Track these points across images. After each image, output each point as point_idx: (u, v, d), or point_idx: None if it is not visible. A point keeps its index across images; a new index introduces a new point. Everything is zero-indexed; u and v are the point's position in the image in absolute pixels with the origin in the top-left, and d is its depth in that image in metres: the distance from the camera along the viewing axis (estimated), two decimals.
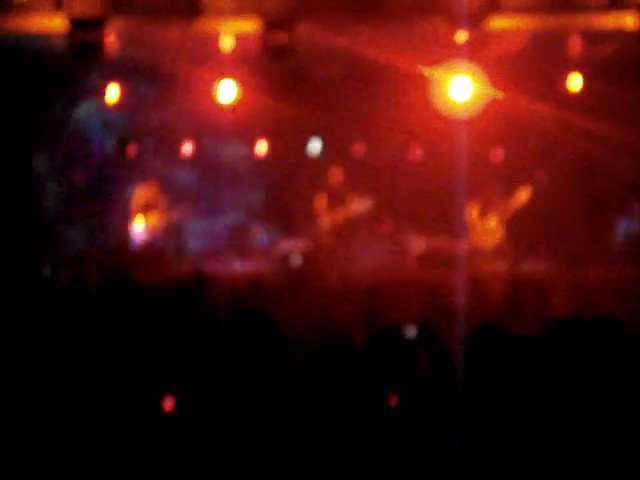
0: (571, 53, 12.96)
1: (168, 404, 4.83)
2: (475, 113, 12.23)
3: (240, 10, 11.52)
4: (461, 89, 12.37)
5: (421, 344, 5.07)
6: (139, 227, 14.40)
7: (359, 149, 15.29)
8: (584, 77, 13.66)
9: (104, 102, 14.03)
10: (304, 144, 15.38)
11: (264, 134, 15.16)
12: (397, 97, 13.59)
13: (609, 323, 4.73)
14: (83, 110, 14.72)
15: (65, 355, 5.63)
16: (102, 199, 14.94)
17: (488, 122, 13.06)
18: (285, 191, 15.36)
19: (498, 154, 15.09)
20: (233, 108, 13.12)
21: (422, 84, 12.48)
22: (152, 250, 14.22)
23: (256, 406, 4.51)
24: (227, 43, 12.11)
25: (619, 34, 11.92)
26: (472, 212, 14.15)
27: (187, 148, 15.15)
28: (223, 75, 13.04)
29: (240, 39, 12.06)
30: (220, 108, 13.17)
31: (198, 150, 15.19)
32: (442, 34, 11.70)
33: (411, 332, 5.02)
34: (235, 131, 13.15)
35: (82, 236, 14.60)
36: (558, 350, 4.59)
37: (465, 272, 11.17)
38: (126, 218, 14.43)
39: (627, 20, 11.65)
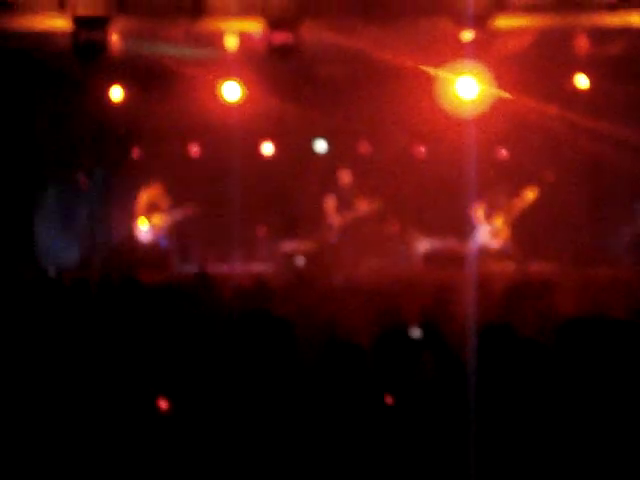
0: (578, 52, 12.91)
1: (172, 404, 4.80)
2: (481, 113, 12.18)
3: (244, 10, 11.50)
4: (467, 89, 12.33)
5: (426, 345, 5.04)
6: (143, 228, 14.38)
7: (365, 149, 15.25)
8: (591, 76, 13.62)
9: (108, 102, 14.00)
10: (309, 144, 15.35)
11: (269, 134, 15.13)
12: (403, 97, 13.55)
13: (612, 323, 4.70)
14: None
15: (69, 354, 5.61)
16: (106, 199, 14.91)
17: (494, 122, 13.01)
18: (290, 191, 15.33)
19: (504, 154, 15.06)
20: (238, 108, 13.08)
21: (428, 84, 12.45)
22: (156, 250, 14.21)
23: (262, 406, 4.48)
24: (231, 43, 12.07)
25: (626, 32, 11.87)
26: (478, 212, 14.10)
27: (192, 148, 15.13)
28: (227, 75, 13.02)
29: (245, 39, 12.03)
30: (225, 108, 13.13)
31: (203, 150, 15.17)
32: (448, 34, 11.66)
33: (416, 333, 4.98)
34: (239, 131, 13.09)
35: (87, 236, 14.56)
36: (567, 351, 4.56)
37: (472, 272, 11.11)
38: (130, 218, 14.41)
39: (634, 18, 11.59)
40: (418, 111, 13.43)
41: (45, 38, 11.95)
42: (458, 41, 11.48)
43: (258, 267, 13.83)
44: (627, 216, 14.65)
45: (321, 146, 15.28)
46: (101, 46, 11.05)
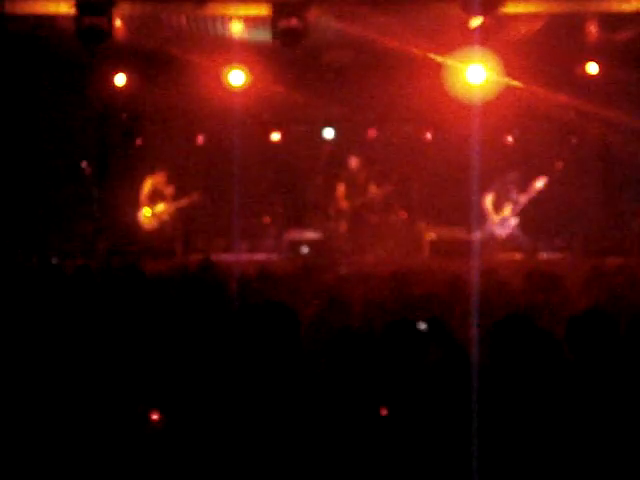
0: (587, 38, 12.78)
1: (175, 393, 4.73)
2: (490, 100, 12.06)
3: None
4: (476, 75, 12.22)
5: (432, 337, 4.97)
6: (147, 216, 14.28)
7: (372, 136, 15.13)
8: (600, 63, 13.48)
9: (111, 87, 13.89)
10: (316, 131, 15.24)
11: (275, 121, 15.02)
12: (411, 84, 13.44)
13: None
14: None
15: (70, 342, 5.56)
16: (109, 187, 14.81)
17: (503, 109, 12.90)
18: (297, 179, 15.24)
19: (513, 141, 14.93)
20: (243, 94, 12.97)
21: (436, 71, 12.34)
22: (161, 239, 14.11)
23: (267, 394, 4.41)
24: (237, 28, 11.95)
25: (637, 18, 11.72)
26: (487, 201, 13.96)
27: (197, 135, 15.02)
28: (233, 61, 12.91)
29: (250, 24, 11.91)
30: (230, 94, 13.02)
31: (208, 137, 15.05)
32: (456, 20, 11.54)
33: (422, 326, 4.92)
34: (245, 118, 12.98)
35: (90, 225, 14.46)
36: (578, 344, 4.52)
37: (480, 261, 11.02)
38: (134, 207, 14.31)
39: None
40: (426, 98, 13.32)
41: (49, 22, 11.86)
42: (467, 27, 11.31)
43: (263, 256, 13.76)
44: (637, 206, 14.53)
45: (329, 133, 15.16)
46: (105, 31, 10.91)
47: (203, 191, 14.31)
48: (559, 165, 14.81)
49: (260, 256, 13.70)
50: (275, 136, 15.13)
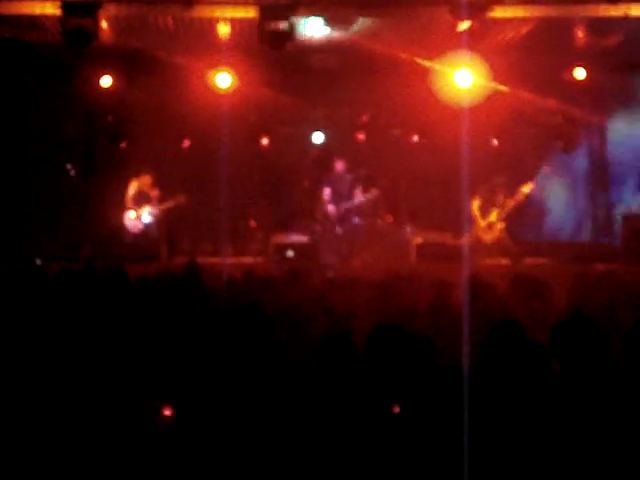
0: (575, 43, 12.78)
1: (160, 396, 4.73)
2: (477, 104, 12.06)
3: None
4: (463, 79, 12.22)
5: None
6: (132, 219, 14.21)
7: (359, 140, 15.09)
8: (588, 67, 13.50)
9: (97, 90, 13.82)
10: (303, 135, 15.21)
11: (261, 124, 14.96)
12: (398, 87, 13.43)
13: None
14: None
15: (52, 345, 5.51)
16: (94, 189, 14.74)
17: (490, 113, 12.90)
18: (283, 182, 15.20)
19: (500, 146, 14.93)
20: (229, 97, 12.92)
21: (424, 74, 12.33)
22: (146, 242, 14.04)
23: (252, 400, 4.42)
24: (223, 31, 11.90)
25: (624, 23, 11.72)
26: (474, 206, 13.95)
27: (182, 138, 14.95)
28: (219, 64, 12.86)
29: (237, 26, 11.86)
30: (216, 97, 12.97)
31: (194, 140, 14.99)
32: (445, 24, 11.53)
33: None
34: (231, 121, 12.93)
35: (75, 228, 14.38)
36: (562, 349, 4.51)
37: (467, 266, 11.00)
38: (119, 210, 14.24)
39: (633, 10, 11.44)
40: (414, 102, 13.32)
41: (34, 23, 11.79)
42: (454, 32, 11.30)
43: (250, 259, 13.72)
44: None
45: (318, 137, 15.14)
46: (90, 32, 10.83)
47: (189, 194, 14.23)
48: (546, 169, 14.83)
49: (246, 260, 13.65)
50: (262, 139, 15.08)
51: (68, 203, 14.72)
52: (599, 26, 12.09)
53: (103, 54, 12.74)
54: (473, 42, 11.22)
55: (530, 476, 4.09)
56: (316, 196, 14.40)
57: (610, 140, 14.95)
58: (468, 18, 11.04)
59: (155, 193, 14.28)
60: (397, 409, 4.35)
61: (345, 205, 14.29)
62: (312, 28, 11.94)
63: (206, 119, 13.55)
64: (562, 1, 11.49)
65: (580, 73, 13.53)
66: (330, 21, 11.81)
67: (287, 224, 14.69)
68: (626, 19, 11.38)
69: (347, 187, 14.41)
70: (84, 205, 14.69)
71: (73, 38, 10.86)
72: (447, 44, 11.62)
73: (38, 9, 11.25)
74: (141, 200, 14.26)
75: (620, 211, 14.57)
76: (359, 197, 14.38)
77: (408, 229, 14.51)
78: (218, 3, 11.37)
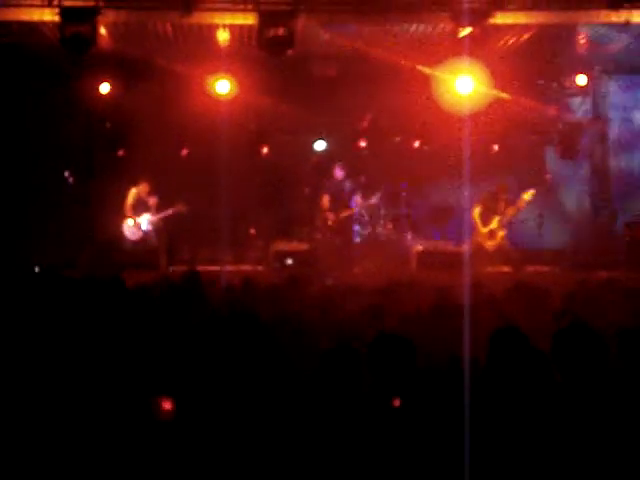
0: (576, 49, 12.78)
1: (158, 402, 4.68)
2: (478, 110, 12.03)
3: (236, 3, 11.28)
4: (464, 86, 12.20)
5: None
6: (131, 227, 14.16)
7: (359, 147, 15.06)
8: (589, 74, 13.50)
9: (95, 96, 13.78)
10: (303, 142, 15.18)
11: (261, 132, 14.92)
12: (399, 94, 13.39)
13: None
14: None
15: (50, 352, 5.47)
16: (94, 197, 14.69)
17: (491, 120, 12.88)
18: (283, 190, 15.16)
19: (501, 152, 14.89)
20: (229, 104, 12.89)
21: (425, 81, 12.31)
22: (144, 250, 13.99)
23: (251, 405, 4.41)
24: (223, 37, 11.88)
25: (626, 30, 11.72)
26: (474, 213, 13.89)
27: (182, 146, 14.91)
28: (219, 71, 12.84)
29: (236, 33, 11.84)
30: (216, 104, 12.94)
31: (193, 148, 14.94)
32: (446, 30, 11.52)
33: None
34: (231, 128, 12.89)
35: (74, 236, 14.32)
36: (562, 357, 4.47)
37: (468, 274, 10.96)
38: (118, 218, 14.19)
39: (634, 17, 11.43)
40: (414, 109, 13.28)
41: (33, 30, 11.77)
42: (455, 38, 11.29)
43: (249, 267, 13.68)
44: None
45: (320, 145, 15.11)
46: (89, 39, 10.80)
47: (188, 202, 14.17)
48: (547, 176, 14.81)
49: (246, 267, 13.61)
50: (261, 146, 15.04)
51: (67, 210, 14.67)
52: (600, 32, 12.10)
53: (102, 61, 12.72)
54: (474, 48, 11.21)
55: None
56: (315, 203, 14.35)
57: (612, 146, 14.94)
58: (469, 24, 11.04)
59: (153, 201, 14.22)
60: (399, 416, 4.32)
61: (344, 213, 14.23)
62: None
63: (205, 126, 13.51)
64: (563, 7, 11.48)
65: (581, 79, 13.52)
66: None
67: (287, 232, 14.64)
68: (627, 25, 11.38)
69: (346, 194, 14.36)
70: (83, 212, 14.64)
71: (71, 45, 10.84)
72: (448, 51, 11.60)
73: (36, 15, 11.24)
74: (140, 208, 14.21)
75: (623, 218, 14.54)
76: (359, 204, 14.33)
77: (409, 236, 14.46)
78: (217, 10, 11.35)
